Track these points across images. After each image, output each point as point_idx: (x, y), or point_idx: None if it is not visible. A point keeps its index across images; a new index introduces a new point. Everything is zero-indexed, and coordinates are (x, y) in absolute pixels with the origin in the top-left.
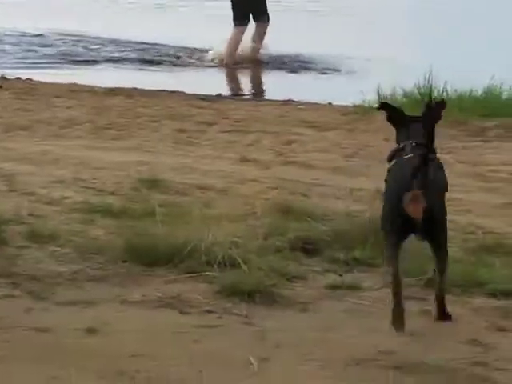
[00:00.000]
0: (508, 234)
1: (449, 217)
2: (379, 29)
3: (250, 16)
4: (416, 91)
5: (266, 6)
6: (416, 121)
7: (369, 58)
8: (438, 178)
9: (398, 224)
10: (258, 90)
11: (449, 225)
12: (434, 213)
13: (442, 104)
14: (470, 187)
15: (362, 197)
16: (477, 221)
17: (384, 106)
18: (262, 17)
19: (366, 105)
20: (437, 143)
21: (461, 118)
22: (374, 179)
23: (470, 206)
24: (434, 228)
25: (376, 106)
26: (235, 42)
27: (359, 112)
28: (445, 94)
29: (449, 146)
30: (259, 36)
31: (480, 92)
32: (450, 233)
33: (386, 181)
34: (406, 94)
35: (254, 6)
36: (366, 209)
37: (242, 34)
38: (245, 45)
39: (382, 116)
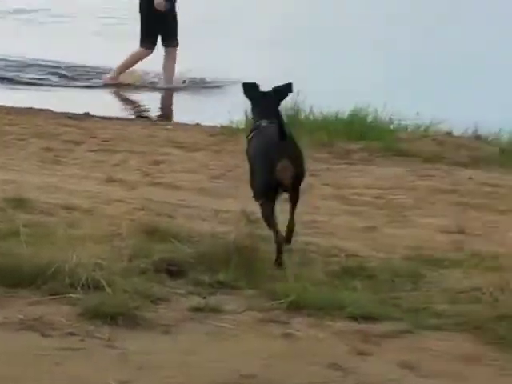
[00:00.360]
0: (370, 257)
1: (312, 239)
2: (249, 49)
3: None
4: (282, 113)
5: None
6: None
7: (237, 79)
8: (297, 147)
9: (272, 189)
10: (126, 110)
11: (311, 247)
12: (299, 175)
13: (288, 85)
14: (334, 210)
15: (228, 218)
16: (340, 244)
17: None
18: (171, 41)
19: (234, 126)
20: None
21: (326, 141)
22: (240, 200)
23: (333, 229)
24: (298, 184)
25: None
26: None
27: (226, 133)
28: (311, 116)
29: (314, 168)
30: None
31: (346, 115)
32: (312, 255)
33: (247, 152)
34: None
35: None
36: (231, 230)
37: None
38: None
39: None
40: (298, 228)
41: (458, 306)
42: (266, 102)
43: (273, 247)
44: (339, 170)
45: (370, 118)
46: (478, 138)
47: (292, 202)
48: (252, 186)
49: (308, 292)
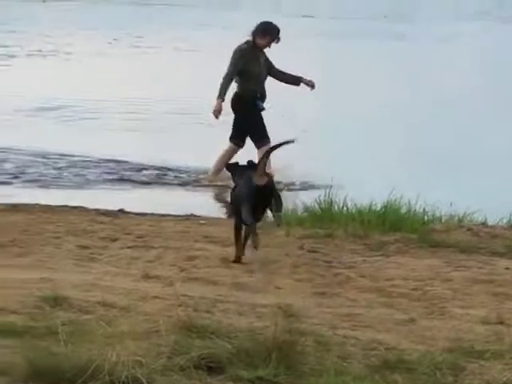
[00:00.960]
0: (409, 349)
1: (350, 332)
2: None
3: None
4: (317, 206)
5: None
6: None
7: None
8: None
9: (253, 194)
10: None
11: (350, 341)
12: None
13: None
14: (372, 302)
15: (265, 313)
16: (378, 337)
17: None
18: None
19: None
20: (337, 256)
21: (361, 233)
22: (276, 294)
23: (371, 322)
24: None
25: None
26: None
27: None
28: (345, 208)
29: (350, 261)
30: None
31: (379, 206)
32: (351, 349)
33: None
34: (307, 209)
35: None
36: (269, 325)
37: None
38: None
39: (282, 231)
40: (336, 321)
41: None
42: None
43: (312, 341)
44: (375, 261)
45: (403, 210)
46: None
47: (276, 204)
48: None
49: None
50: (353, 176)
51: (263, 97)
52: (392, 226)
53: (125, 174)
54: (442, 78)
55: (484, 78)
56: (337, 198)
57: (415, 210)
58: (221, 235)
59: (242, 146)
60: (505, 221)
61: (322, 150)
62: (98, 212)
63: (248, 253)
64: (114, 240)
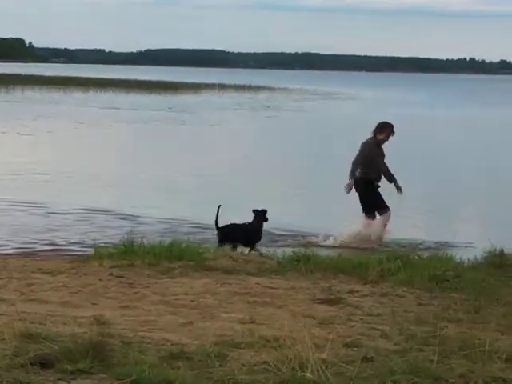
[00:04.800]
0: (188, 344)
1: (147, 334)
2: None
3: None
4: (122, 244)
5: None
6: None
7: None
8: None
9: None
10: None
11: (147, 340)
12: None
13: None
14: (162, 311)
15: (83, 322)
16: (166, 336)
17: None
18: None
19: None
20: (137, 279)
21: (154, 261)
22: (92, 308)
23: (161, 326)
24: None
25: None
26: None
27: (81, 260)
28: (142, 244)
29: (146, 282)
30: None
31: (167, 242)
32: (147, 345)
33: None
34: (115, 246)
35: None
36: (86, 331)
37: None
38: None
39: (96, 263)
40: (136, 326)
41: (253, 376)
42: None
43: (118, 341)
44: (164, 282)
45: (184, 244)
46: (261, 254)
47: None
48: None
49: (145, 372)
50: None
51: None
52: (176, 256)
53: None
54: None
55: (238, 150)
56: (137, 237)
57: (193, 244)
58: (51, 267)
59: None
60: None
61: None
62: None
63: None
64: None
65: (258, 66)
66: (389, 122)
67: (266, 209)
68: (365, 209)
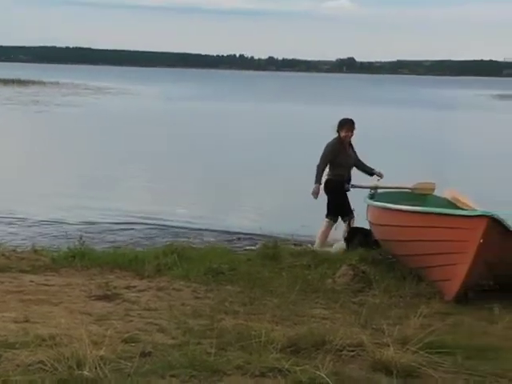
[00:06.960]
0: None
1: None
2: None
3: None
4: None
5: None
6: None
7: None
8: None
9: None
10: None
11: None
12: None
13: None
14: None
15: None
16: None
17: None
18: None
19: None
20: None
21: None
22: None
23: None
24: None
25: None
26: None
27: None
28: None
29: None
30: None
31: None
32: None
33: None
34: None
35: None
36: None
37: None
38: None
39: None
40: None
41: (29, 376)
42: None
43: None
44: None
45: None
46: (35, 251)
47: None
48: None
49: None
50: None
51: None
52: None
53: None
54: None
55: None
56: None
57: None
58: None
59: (335, 221)
60: (29, 248)
61: None
62: None
63: None
64: None
65: (30, 60)
66: (348, 118)
67: None
68: (338, 212)
